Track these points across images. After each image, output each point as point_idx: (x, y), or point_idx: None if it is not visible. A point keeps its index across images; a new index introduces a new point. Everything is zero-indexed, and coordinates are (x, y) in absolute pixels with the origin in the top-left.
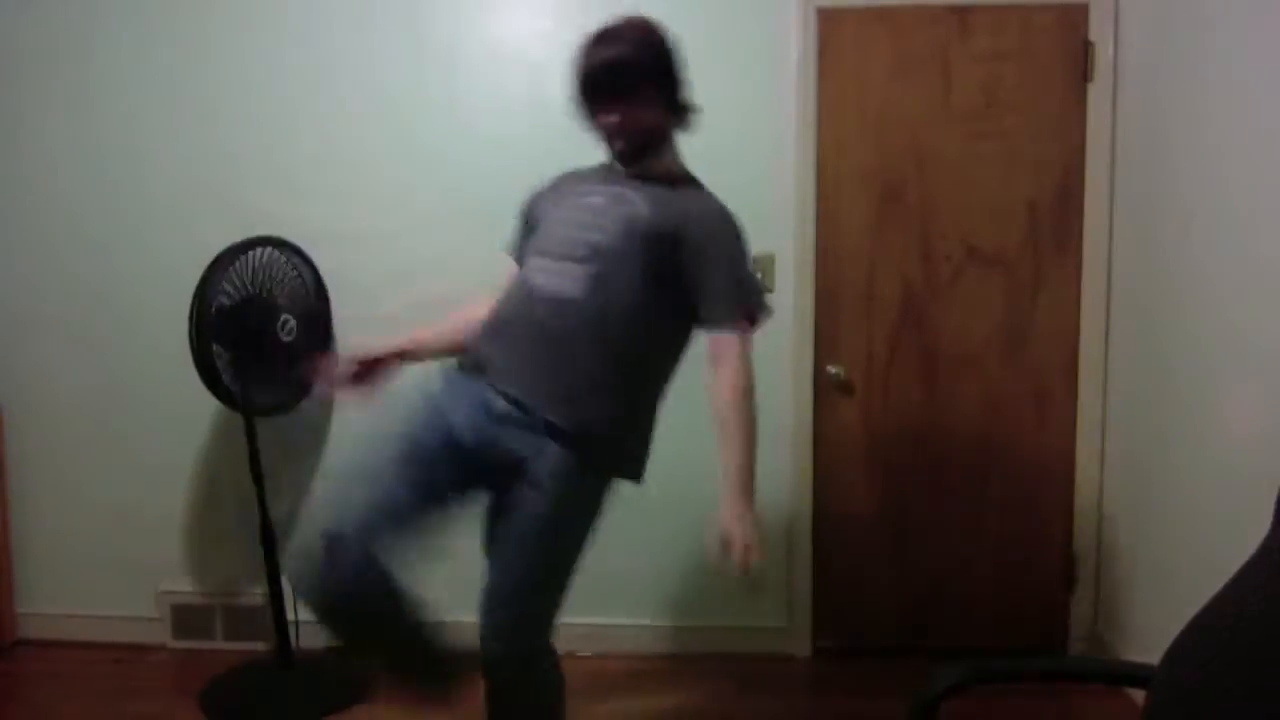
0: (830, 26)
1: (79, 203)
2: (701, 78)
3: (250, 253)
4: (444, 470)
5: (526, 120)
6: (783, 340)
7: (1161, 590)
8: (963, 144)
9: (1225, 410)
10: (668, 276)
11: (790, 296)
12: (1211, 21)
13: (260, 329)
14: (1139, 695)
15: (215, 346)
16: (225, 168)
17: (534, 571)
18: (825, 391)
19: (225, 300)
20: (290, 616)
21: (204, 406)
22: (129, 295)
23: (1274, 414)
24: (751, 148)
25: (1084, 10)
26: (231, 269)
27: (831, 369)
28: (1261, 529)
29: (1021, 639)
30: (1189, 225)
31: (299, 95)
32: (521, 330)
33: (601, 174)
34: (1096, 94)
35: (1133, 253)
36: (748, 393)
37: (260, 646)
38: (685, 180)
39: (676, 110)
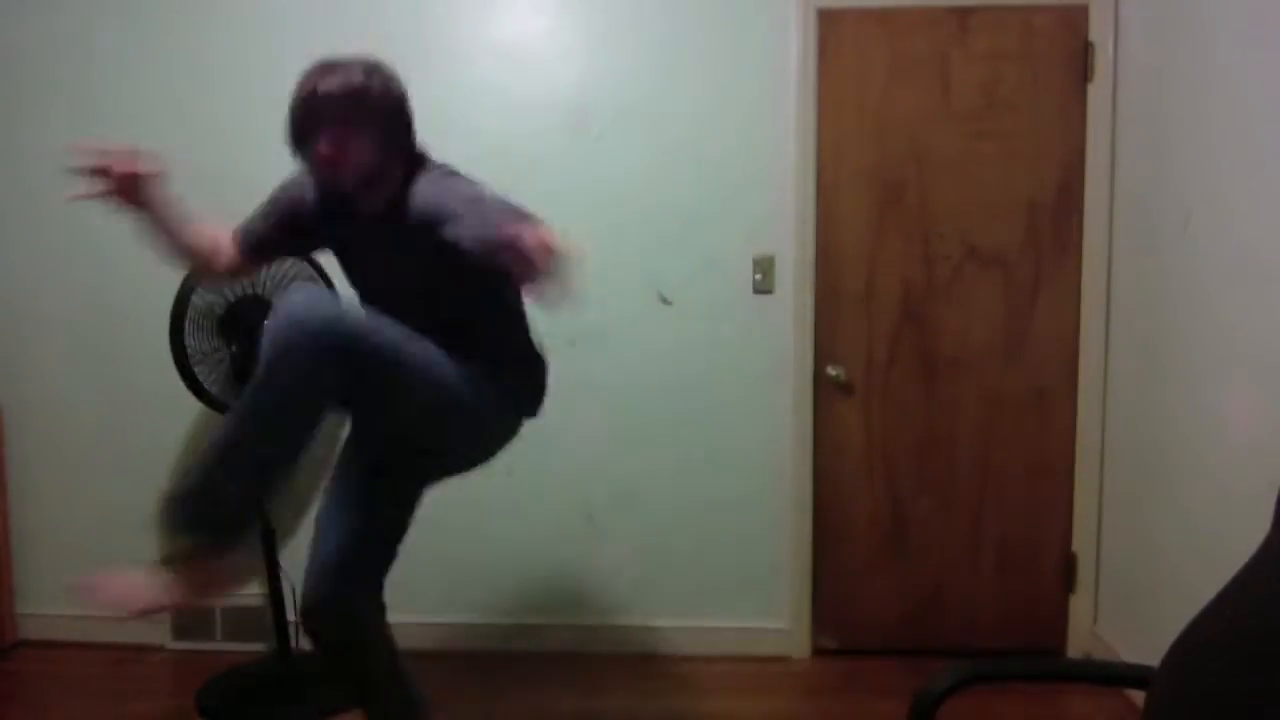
0: (830, 27)
1: (79, 203)
2: (702, 78)
3: None
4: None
5: (527, 120)
6: (783, 340)
7: (1161, 590)
8: (963, 144)
9: (1225, 410)
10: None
11: (790, 297)
12: (1211, 21)
13: (260, 329)
14: (1139, 696)
15: (192, 343)
16: (225, 167)
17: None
18: (825, 392)
19: (225, 299)
20: (290, 617)
21: (203, 406)
22: (129, 295)
23: (1273, 414)
24: (751, 148)
25: (1084, 11)
26: None
27: (831, 370)
28: (1261, 529)
29: (1021, 639)
30: (1189, 225)
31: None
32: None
33: (341, 212)
34: (1096, 94)
35: (1133, 253)
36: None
37: (260, 647)
38: (410, 188)
39: (407, 157)
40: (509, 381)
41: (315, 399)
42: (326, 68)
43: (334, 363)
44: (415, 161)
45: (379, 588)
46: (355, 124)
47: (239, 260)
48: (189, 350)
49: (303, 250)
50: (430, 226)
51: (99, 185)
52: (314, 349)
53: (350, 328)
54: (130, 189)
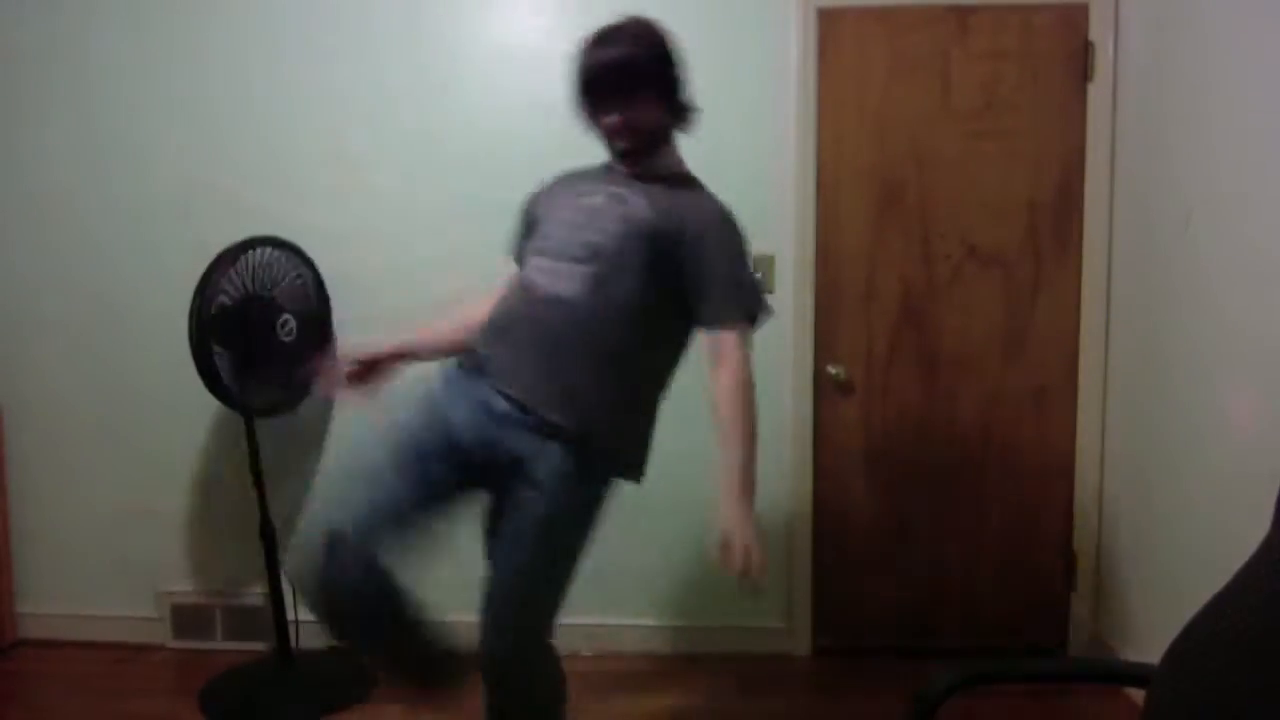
0: (830, 26)
1: (79, 203)
2: (701, 78)
3: (250, 252)
4: (443, 469)
5: (526, 119)
6: (783, 340)
7: (1161, 590)
8: (963, 144)
9: (1225, 410)
10: (667, 276)
11: (790, 296)
12: (1211, 21)
13: (260, 329)
14: (1139, 695)
15: (215, 346)
16: (225, 167)
17: (534, 571)
18: (825, 391)
19: (225, 300)
20: (290, 616)
21: (204, 406)
22: (129, 295)
23: (1274, 414)
24: (751, 148)
25: (1084, 10)
26: (232, 269)
27: (831, 369)
28: (1261, 529)
29: (1021, 639)
30: (1189, 225)
31: (298, 95)
32: (522, 330)
33: (602, 174)
34: (1096, 94)
35: (1133, 253)
36: (748, 391)
37: (260, 646)
38: (686, 180)
39: (677, 111)
40: (622, 453)
41: (378, 591)
42: (601, 39)
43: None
44: (680, 112)
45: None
46: (635, 91)
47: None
48: (214, 353)
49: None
50: (673, 240)
51: (363, 389)
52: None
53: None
54: (377, 377)
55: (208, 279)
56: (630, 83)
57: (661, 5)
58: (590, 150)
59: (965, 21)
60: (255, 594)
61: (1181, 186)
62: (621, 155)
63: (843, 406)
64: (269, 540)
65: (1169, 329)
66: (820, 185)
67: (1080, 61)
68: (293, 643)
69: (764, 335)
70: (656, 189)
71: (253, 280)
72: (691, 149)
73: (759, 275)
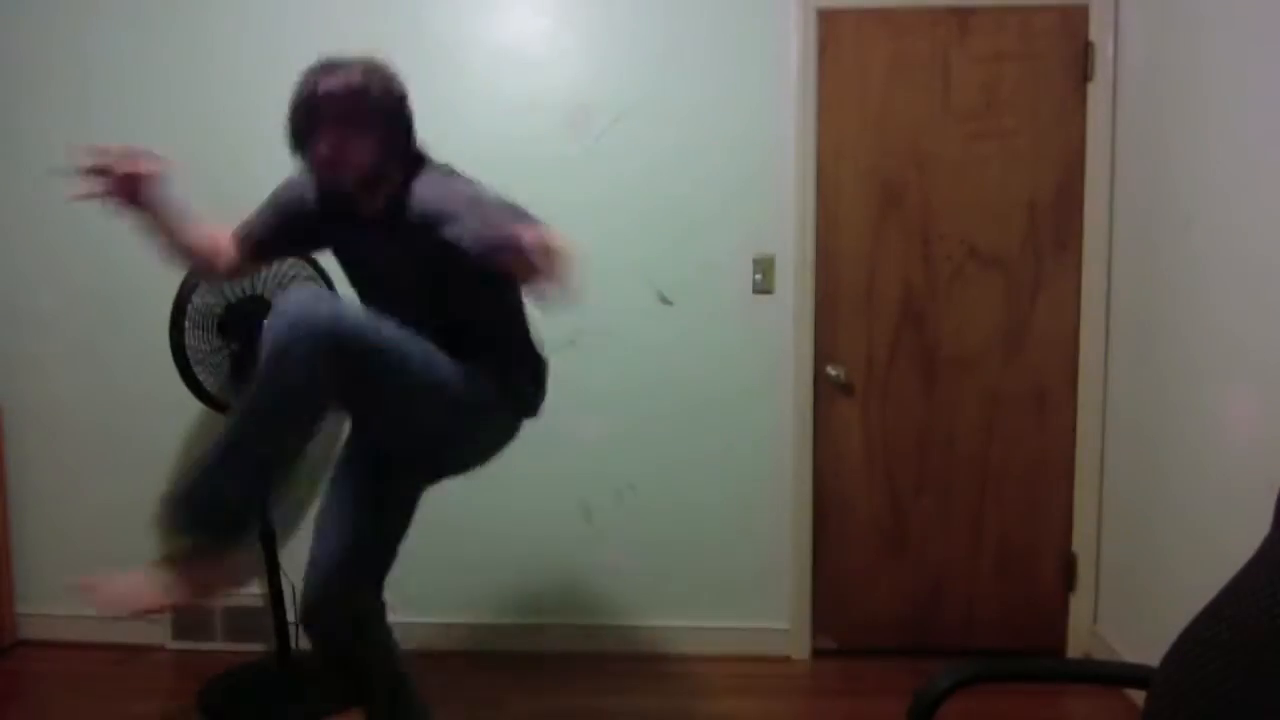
0: (830, 26)
1: (78, 202)
2: (702, 78)
3: None
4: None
5: (527, 120)
6: (783, 341)
7: (1161, 590)
8: (963, 144)
9: (1224, 410)
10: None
11: (790, 297)
12: (1211, 21)
13: (261, 329)
14: (1139, 696)
15: (192, 342)
16: (224, 167)
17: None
18: (825, 392)
19: (224, 299)
20: (290, 617)
21: (204, 406)
22: (129, 295)
23: (1273, 414)
24: (752, 148)
25: (1084, 10)
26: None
27: (831, 370)
28: (1261, 529)
29: (1021, 639)
30: (1189, 225)
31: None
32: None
33: (341, 212)
34: (1096, 94)
35: (1133, 253)
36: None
37: (260, 646)
38: (409, 189)
39: (399, 158)
40: (509, 381)
41: (314, 398)
42: (327, 67)
43: (332, 361)
44: (414, 161)
45: (379, 588)
46: (355, 124)
47: (240, 260)
48: (188, 350)
49: (303, 251)
50: (430, 227)
51: (99, 185)
52: (312, 348)
53: (348, 327)
54: (130, 189)
55: (185, 280)
56: (352, 114)
57: (661, 6)
58: (592, 150)
59: (965, 22)
60: (255, 594)
61: (1181, 187)
62: (334, 195)
63: (843, 407)
64: (269, 540)
65: (1168, 330)
66: (820, 186)
67: (1080, 62)
68: (293, 643)
69: (765, 337)
70: (399, 218)
71: (253, 280)
72: (692, 149)
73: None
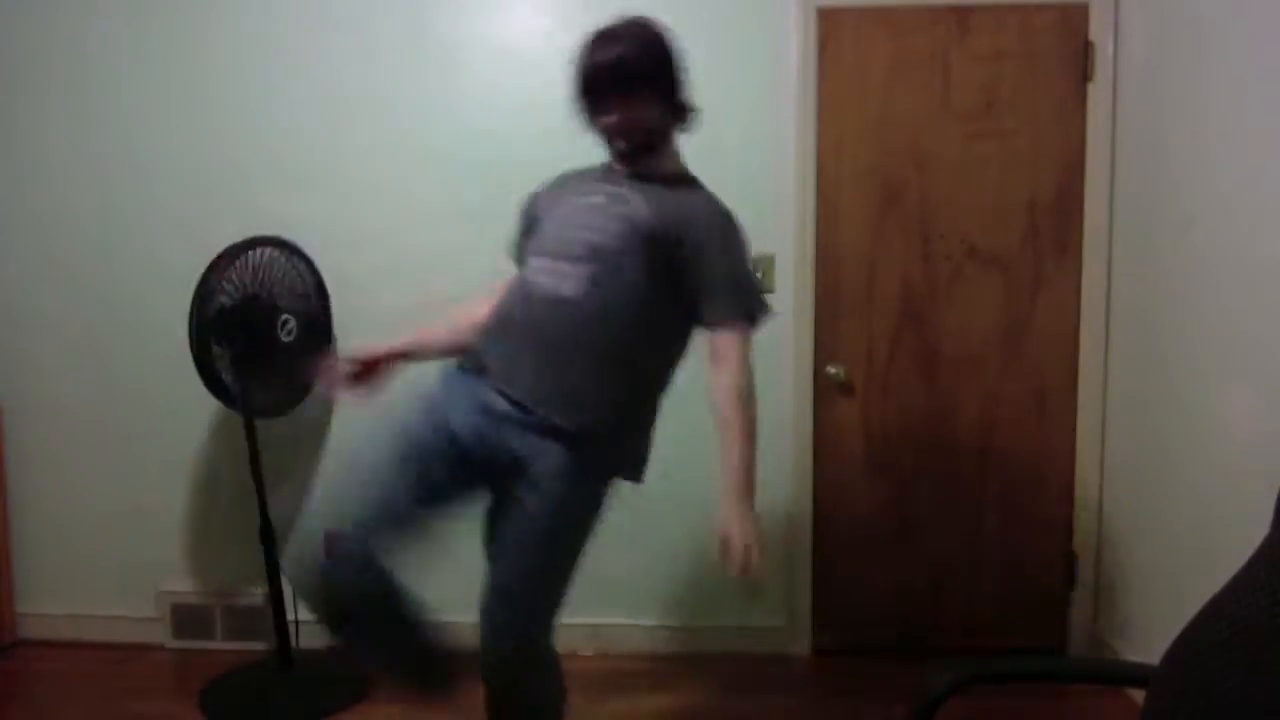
0: (830, 26)
1: (78, 202)
2: (702, 77)
3: (250, 252)
4: (443, 469)
5: (526, 119)
6: (783, 340)
7: (1161, 590)
8: (963, 144)
9: (1225, 410)
10: (668, 276)
11: (790, 296)
12: (1211, 21)
13: (261, 329)
14: (1139, 695)
15: (215, 347)
16: (224, 167)
17: (534, 572)
18: (825, 391)
19: (226, 300)
20: (290, 616)
21: (204, 406)
22: (129, 295)
23: (1273, 414)
24: (751, 148)
25: (1084, 10)
26: (232, 269)
27: (831, 369)
28: (1261, 529)
29: (1021, 639)
30: (1189, 225)
31: (298, 95)
32: (522, 331)
33: (602, 174)
34: (1096, 94)
35: (1133, 253)
36: (748, 392)
37: (260, 646)
38: (685, 180)
39: (677, 110)
40: (614, 454)
41: (376, 590)
42: (600, 38)
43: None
44: (680, 113)
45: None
46: (632, 90)
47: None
48: (214, 354)
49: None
50: (674, 241)
51: (364, 389)
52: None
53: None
54: (385, 373)
55: (207, 279)
56: (628, 82)
57: (662, 5)
58: (592, 151)
59: (965, 21)
60: (255, 594)
61: (1181, 187)
62: (621, 155)
63: (843, 406)
64: (269, 540)
65: (1169, 329)
66: (820, 185)
67: (1080, 61)
68: (293, 643)
69: (764, 335)
70: (656, 189)
71: (253, 280)
72: (692, 149)
73: (759, 275)
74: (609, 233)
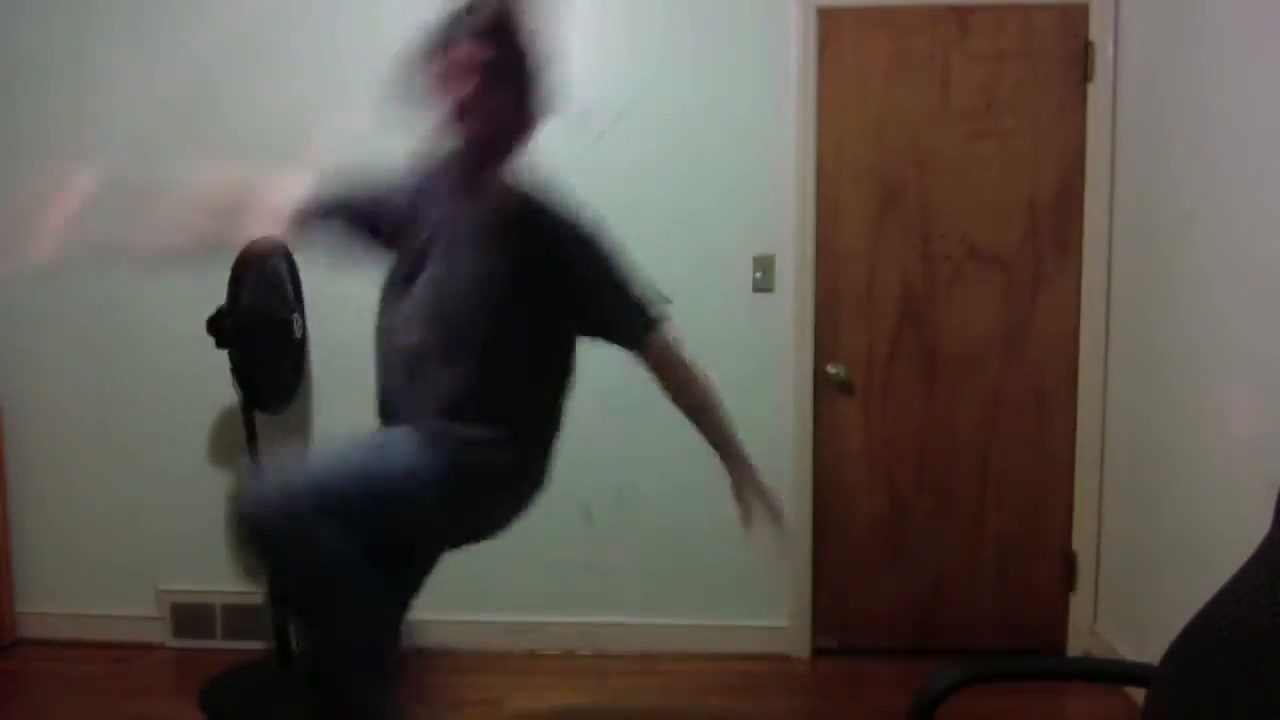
0: (830, 26)
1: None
2: (702, 78)
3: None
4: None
5: None
6: (783, 340)
7: (1161, 590)
8: (963, 144)
9: (1225, 410)
10: (541, 307)
11: (790, 296)
12: (1211, 21)
13: (276, 328)
14: (1139, 695)
15: (229, 348)
16: (223, 167)
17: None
18: (825, 391)
19: (246, 300)
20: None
21: (204, 406)
22: (128, 295)
23: (1273, 414)
24: (752, 148)
25: (1084, 10)
26: (247, 270)
27: (831, 369)
28: (1261, 529)
29: (1021, 639)
30: (1189, 225)
31: (298, 95)
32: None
33: (438, 200)
34: (1096, 94)
35: (1133, 253)
36: (691, 369)
37: (260, 646)
38: (527, 205)
39: (528, 112)
40: (521, 456)
41: (340, 560)
42: (460, 10)
43: (323, 525)
44: (526, 126)
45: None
46: (492, 61)
47: (303, 222)
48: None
49: (358, 234)
50: (541, 279)
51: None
52: (295, 522)
53: (314, 484)
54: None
55: (239, 280)
56: (490, 39)
57: (661, 5)
58: (591, 150)
59: (965, 22)
60: (255, 594)
61: (1181, 187)
62: (459, 158)
63: (843, 406)
64: None
65: (1169, 329)
66: (820, 185)
67: (1080, 61)
68: (293, 643)
69: (764, 335)
70: (501, 227)
71: (266, 280)
72: (692, 148)
73: (635, 277)
74: (477, 292)
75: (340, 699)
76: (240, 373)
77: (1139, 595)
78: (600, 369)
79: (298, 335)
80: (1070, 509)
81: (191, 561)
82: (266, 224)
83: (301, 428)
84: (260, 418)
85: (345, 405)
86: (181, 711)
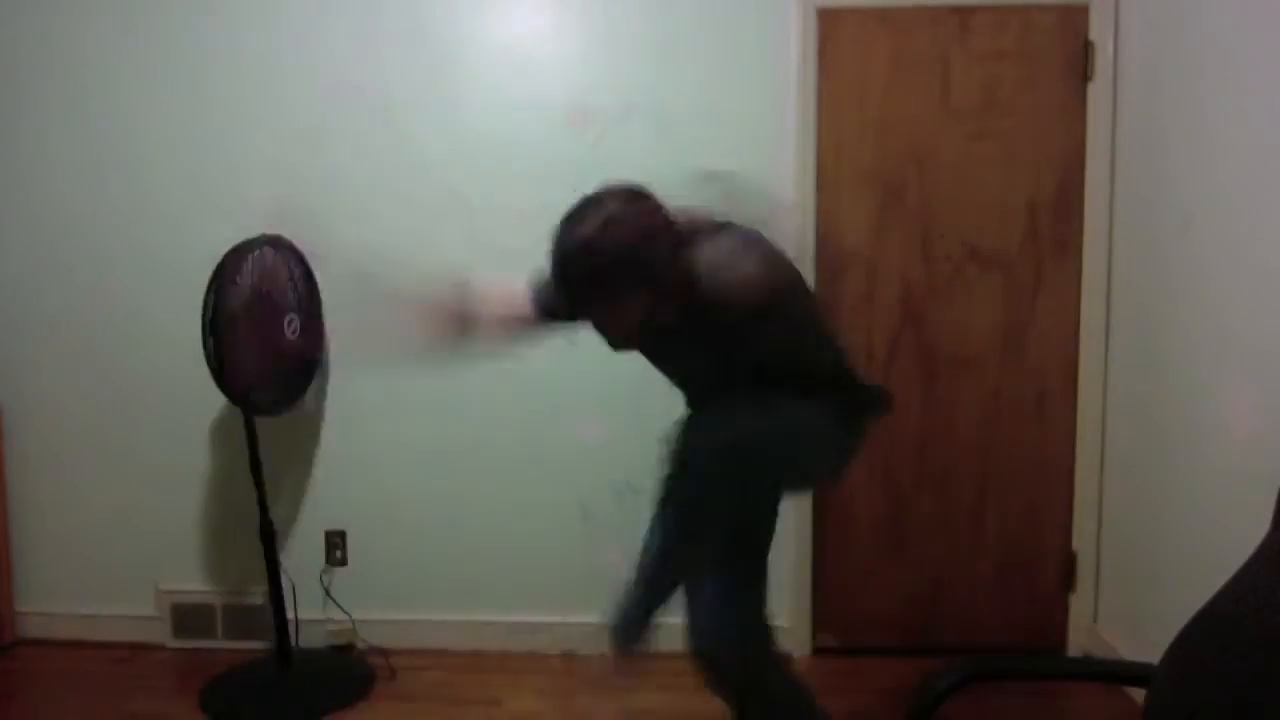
0: (830, 26)
1: (78, 203)
2: (702, 78)
3: (255, 252)
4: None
5: (526, 120)
6: None
7: (1161, 590)
8: (963, 144)
9: (1225, 410)
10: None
11: None
12: (1211, 21)
13: (268, 328)
14: (1139, 695)
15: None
16: (224, 167)
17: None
18: None
19: (236, 301)
20: (290, 616)
21: (204, 406)
22: (128, 295)
23: (1273, 414)
24: (751, 148)
25: (1084, 10)
26: (240, 269)
27: None
28: (1261, 529)
29: (1021, 639)
30: (1189, 225)
31: (298, 95)
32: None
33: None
34: (1096, 94)
35: (1133, 253)
36: None
37: (260, 646)
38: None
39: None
40: (833, 401)
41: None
42: (565, 244)
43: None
44: (685, 275)
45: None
46: (612, 297)
47: (531, 320)
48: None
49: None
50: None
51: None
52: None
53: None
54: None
55: (217, 278)
56: (602, 285)
57: (661, 5)
58: (591, 151)
59: (965, 21)
60: (255, 593)
61: (1181, 187)
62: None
63: None
64: (269, 540)
65: (1169, 330)
66: (820, 185)
67: (1080, 61)
68: (293, 643)
69: None
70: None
71: (259, 280)
72: (692, 149)
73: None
74: (711, 366)
75: None
76: (220, 371)
77: (1139, 595)
78: (601, 371)
79: (291, 336)
80: (1070, 509)
81: (191, 561)
82: (498, 329)
83: (302, 427)
84: (261, 418)
85: (346, 403)
86: (181, 711)
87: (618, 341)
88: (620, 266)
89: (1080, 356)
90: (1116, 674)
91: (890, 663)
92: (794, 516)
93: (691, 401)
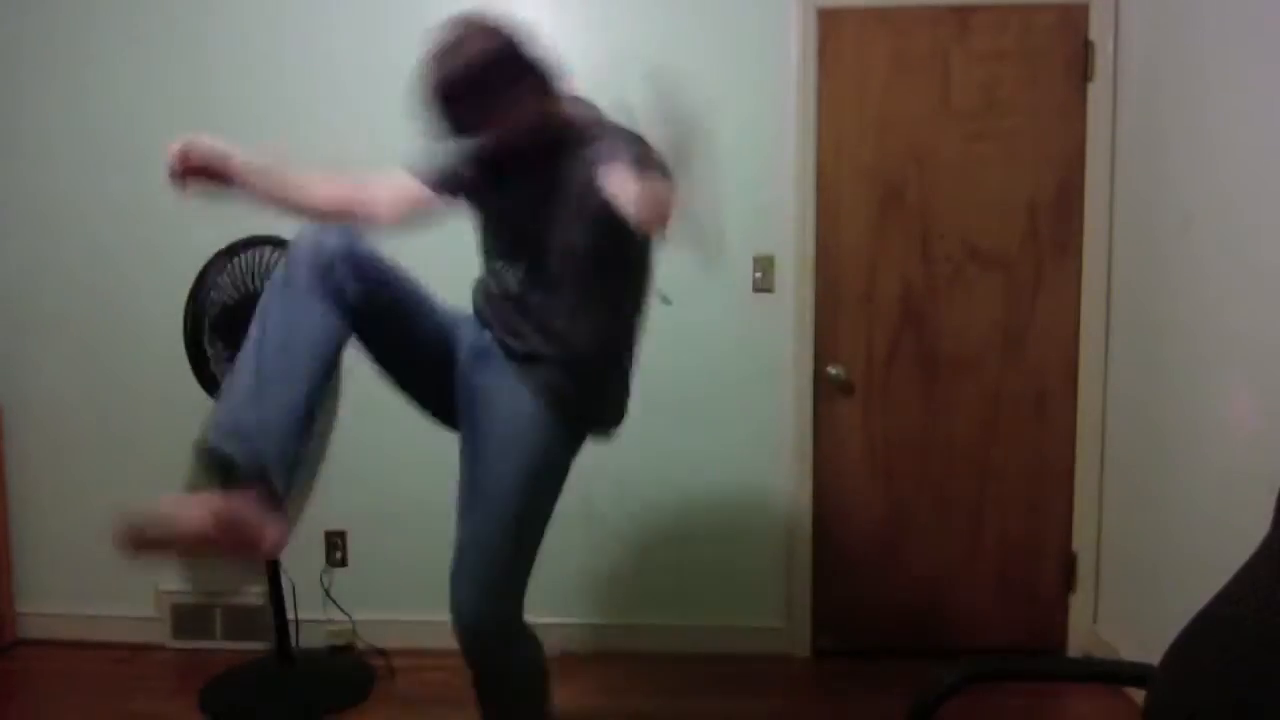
0: (830, 26)
1: (79, 203)
2: (702, 78)
3: (248, 252)
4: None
5: None
6: (783, 340)
7: (1161, 590)
8: (963, 144)
9: (1225, 410)
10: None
11: (790, 296)
12: (1211, 21)
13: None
14: (1139, 695)
15: (209, 347)
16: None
17: (501, 521)
18: (825, 392)
19: (226, 300)
20: (290, 616)
21: (203, 405)
22: (128, 295)
23: (1273, 414)
24: (751, 148)
25: (1084, 10)
26: (229, 268)
27: (831, 369)
28: (1261, 529)
29: (1022, 639)
30: (1189, 225)
31: (297, 95)
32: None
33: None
34: (1096, 94)
35: (1133, 253)
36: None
37: (260, 646)
38: (581, 133)
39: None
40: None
41: (327, 307)
42: (436, 57)
43: (346, 265)
44: (550, 84)
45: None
46: (496, 93)
47: (419, 200)
48: (208, 354)
49: (472, 199)
50: (588, 184)
51: (185, 185)
52: (326, 256)
53: (362, 246)
54: (209, 174)
55: (203, 278)
56: (495, 83)
57: (661, 5)
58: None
59: (965, 21)
60: (255, 594)
61: (1181, 186)
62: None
63: (843, 407)
64: None
65: (1169, 329)
66: (820, 185)
67: (1080, 61)
68: (293, 643)
69: (765, 335)
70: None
71: (252, 279)
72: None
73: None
74: (557, 227)
75: None
76: (199, 368)
77: (1139, 595)
78: None
79: None
80: (1070, 509)
81: (191, 562)
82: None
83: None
84: None
85: (346, 404)
86: (181, 712)
87: (510, 147)
88: (501, 56)
89: (1080, 356)
90: (1116, 674)
91: (890, 664)
92: (794, 516)
93: (506, 285)
